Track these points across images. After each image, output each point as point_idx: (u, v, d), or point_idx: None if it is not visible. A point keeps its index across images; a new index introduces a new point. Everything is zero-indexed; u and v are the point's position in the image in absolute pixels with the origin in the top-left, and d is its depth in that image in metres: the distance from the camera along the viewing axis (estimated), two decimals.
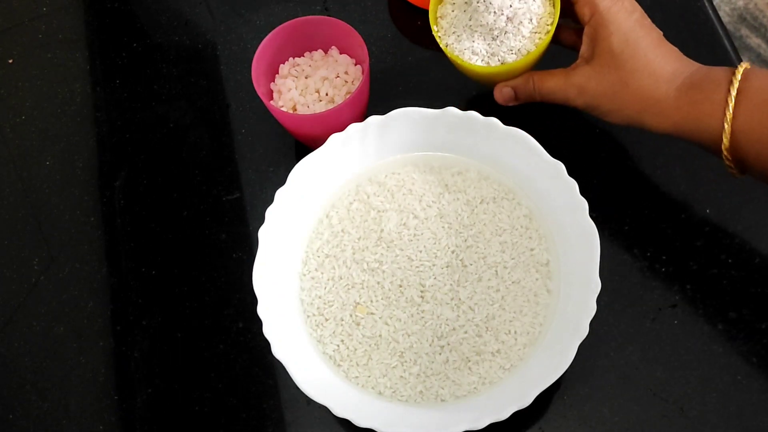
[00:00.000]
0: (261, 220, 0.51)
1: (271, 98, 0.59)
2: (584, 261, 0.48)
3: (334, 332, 0.51)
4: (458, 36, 0.53)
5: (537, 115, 0.55)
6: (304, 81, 0.59)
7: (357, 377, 0.50)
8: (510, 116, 0.54)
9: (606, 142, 0.59)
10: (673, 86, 0.48)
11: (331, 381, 0.49)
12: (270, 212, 0.51)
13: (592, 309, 0.46)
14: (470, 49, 0.53)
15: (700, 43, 0.61)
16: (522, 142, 0.52)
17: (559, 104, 0.53)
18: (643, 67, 0.48)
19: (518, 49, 0.52)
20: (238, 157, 0.62)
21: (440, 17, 0.55)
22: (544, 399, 0.50)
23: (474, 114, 0.52)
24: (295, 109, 0.58)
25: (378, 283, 0.52)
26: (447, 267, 0.52)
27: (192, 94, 0.65)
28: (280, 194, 0.52)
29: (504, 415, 0.45)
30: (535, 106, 0.55)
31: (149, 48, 0.68)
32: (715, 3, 0.83)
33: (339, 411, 0.46)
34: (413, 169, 0.56)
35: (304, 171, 0.53)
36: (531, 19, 0.51)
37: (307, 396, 0.46)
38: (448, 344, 0.50)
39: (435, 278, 0.52)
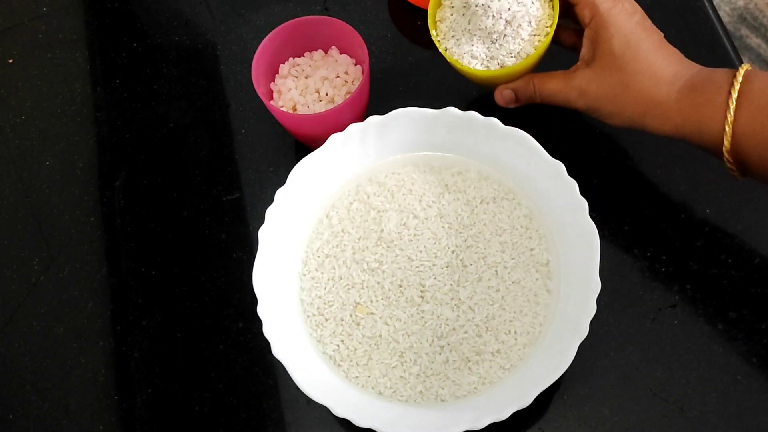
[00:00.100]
0: (261, 220, 0.51)
1: (271, 98, 0.59)
2: (584, 261, 0.48)
3: (334, 332, 0.51)
4: (457, 40, 0.53)
5: (537, 115, 0.55)
6: (304, 81, 0.59)
7: (357, 377, 0.50)
8: (510, 116, 0.54)
9: (606, 142, 0.59)
10: (675, 88, 0.47)
11: (331, 381, 0.49)
12: (270, 212, 0.51)
13: (592, 309, 0.46)
14: (469, 53, 0.52)
15: (700, 43, 0.61)
16: (522, 142, 0.52)
17: (560, 106, 0.53)
18: (644, 69, 0.48)
19: (517, 52, 0.52)
20: (238, 157, 0.62)
21: (439, 21, 0.55)
22: (544, 399, 0.50)
23: (474, 114, 0.52)
24: (295, 109, 0.58)
25: (378, 283, 0.52)
26: (447, 267, 0.52)
27: (192, 94, 0.65)
28: (280, 194, 0.52)
29: (504, 415, 0.45)
30: (535, 107, 0.55)
31: (149, 48, 0.68)
32: (715, 3, 0.83)
33: (339, 411, 0.46)
34: (413, 169, 0.56)
35: (304, 171, 0.53)
36: (530, 22, 0.51)
37: (307, 396, 0.46)
38: (448, 344, 0.50)
39: (435, 278, 0.52)
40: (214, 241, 0.59)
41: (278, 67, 0.60)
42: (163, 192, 0.62)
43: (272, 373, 0.54)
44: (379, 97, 0.60)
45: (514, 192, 0.54)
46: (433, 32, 0.54)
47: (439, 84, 0.62)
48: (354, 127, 0.53)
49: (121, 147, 0.64)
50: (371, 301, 0.52)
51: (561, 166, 0.51)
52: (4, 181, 0.64)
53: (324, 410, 0.47)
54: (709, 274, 0.53)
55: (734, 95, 0.45)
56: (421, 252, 0.53)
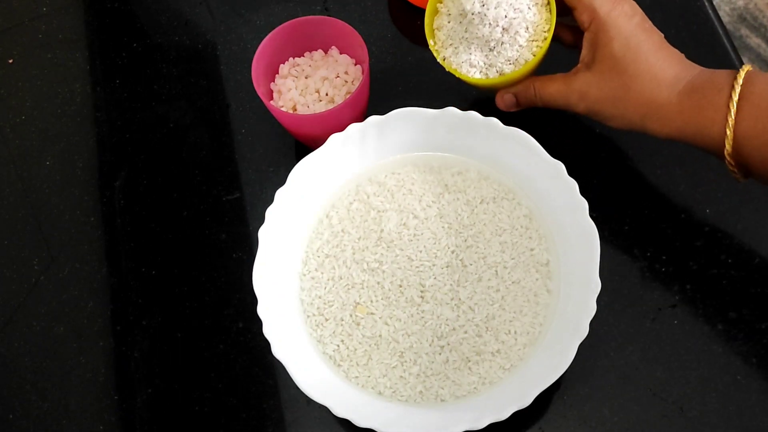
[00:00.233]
0: (261, 220, 0.51)
1: (271, 98, 0.59)
2: (584, 261, 0.48)
3: (334, 332, 0.51)
4: (455, 48, 0.53)
5: (537, 115, 0.55)
6: (304, 81, 0.59)
7: (357, 377, 0.50)
8: (510, 116, 0.54)
9: (606, 142, 0.58)
10: (675, 91, 0.47)
11: (331, 381, 0.49)
12: (270, 212, 0.51)
13: (592, 309, 0.46)
14: (468, 62, 0.52)
15: (700, 43, 0.61)
16: (522, 142, 0.52)
17: (561, 109, 0.53)
18: (645, 71, 0.48)
19: (516, 59, 0.51)
20: (238, 157, 0.62)
21: (436, 29, 0.54)
22: (544, 399, 0.50)
23: (474, 114, 0.52)
24: (295, 109, 0.58)
25: (378, 283, 0.52)
26: (447, 267, 0.52)
27: (192, 94, 0.65)
28: (280, 194, 0.52)
29: (504, 415, 0.45)
30: (536, 107, 0.55)
31: (149, 48, 0.68)
32: (715, 3, 0.83)
33: (339, 411, 0.46)
34: (413, 169, 0.56)
35: (304, 171, 0.53)
36: (527, 28, 0.51)
37: (307, 396, 0.46)
38: (448, 344, 0.50)
39: (435, 278, 0.52)
40: (214, 241, 0.59)
41: (278, 67, 0.60)
42: (163, 192, 0.62)
43: (272, 373, 0.54)
44: (379, 97, 0.60)
45: (514, 192, 0.54)
46: (430, 42, 0.54)
47: (439, 84, 0.62)
48: (354, 127, 0.53)
49: (121, 147, 0.64)
50: (371, 301, 0.52)
51: (561, 166, 0.50)
52: (4, 181, 0.64)
53: (324, 410, 0.47)
54: (709, 274, 0.53)
55: (735, 98, 0.45)
56: (421, 252, 0.53)
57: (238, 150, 0.62)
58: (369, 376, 0.50)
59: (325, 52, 0.60)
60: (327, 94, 0.58)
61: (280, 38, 0.58)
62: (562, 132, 0.58)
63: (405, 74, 0.63)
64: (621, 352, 0.51)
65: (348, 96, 0.57)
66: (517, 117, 0.55)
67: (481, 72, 0.52)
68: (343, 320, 0.51)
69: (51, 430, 0.54)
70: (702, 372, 0.50)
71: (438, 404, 0.49)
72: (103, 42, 0.70)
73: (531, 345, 0.50)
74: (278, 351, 0.47)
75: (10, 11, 0.72)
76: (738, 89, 0.45)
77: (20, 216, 0.62)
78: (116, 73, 0.67)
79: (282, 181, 0.52)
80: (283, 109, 0.58)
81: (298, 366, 0.47)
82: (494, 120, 0.52)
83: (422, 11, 0.54)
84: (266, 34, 0.57)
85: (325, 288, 0.53)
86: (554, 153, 0.51)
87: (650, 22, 0.49)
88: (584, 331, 0.46)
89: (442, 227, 0.54)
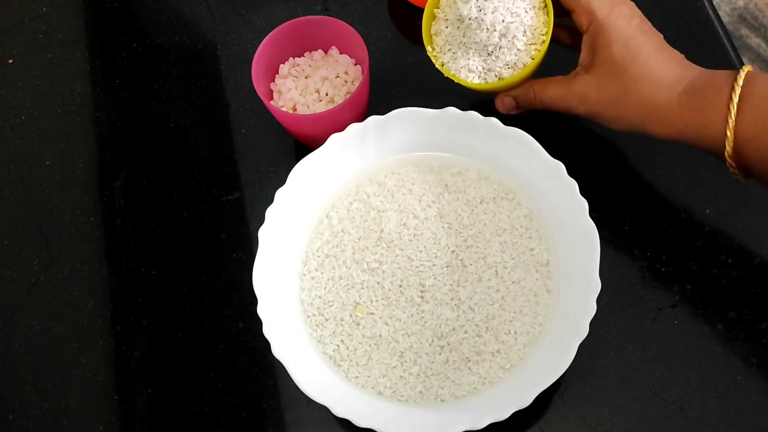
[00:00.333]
0: (261, 220, 0.51)
1: (271, 98, 0.59)
2: (584, 261, 0.48)
3: (334, 332, 0.51)
4: (453, 54, 0.53)
5: (537, 116, 0.55)
6: (304, 81, 0.59)
7: (357, 377, 0.50)
8: (510, 116, 0.54)
9: (606, 142, 0.59)
10: (676, 92, 0.47)
11: (331, 381, 0.49)
12: (270, 212, 0.51)
13: (592, 309, 0.46)
14: (466, 67, 0.52)
15: (700, 43, 0.61)
16: (522, 142, 0.52)
17: (561, 112, 0.52)
18: (645, 73, 0.47)
19: (514, 63, 0.51)
20: (238, 157, 0.62)
21: (434, 34, 0.54)
22: (544, 399, 0.50)
23: (474, 114, 0.52)
24: (295, 109, 0.58)
25: (378, 283, 0.52)
26: (447, 267, 0.52)
27: (192, 94, 0.65)
28: (280, 194, 0.52)
29: (504, 415, 0.45)
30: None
31: (149, 48, 0.68)
32: (715, 3, 0.83)
33: (339, 411, 0.46)
34: (413, 169, 0.56)
35: (304, 171, 0.53)
36: (525, 32, 0.50)
37: (307, 396, 0.46)
38: (448, 344, 0.50)
39: (435, 278, 0.52)
40: (214, 241, 0.59)
41: (278, 67, 0.60)
42: (163, 192, 0.62)
43: (272, 373, 0.54)
44: (379, 97, 0.60)
45: (514, 192, 0.54)
46: (429, 48, 0.54)
47: (439, 84, 0.62)
48: (354, 127, 0.53)
49: (121, 147, 0.64)
50: (371, 301, 0.52)
51: (561, 166, 0.50)
52: (4, 181, 0.64)
53: (324, 410, 0.47)
54: (709, 274, 0.53)
55: (735, 99, 0.44)
56: (421, 252, 0.53)
57: (238, 150, 0.62)
58: (369, 376, 0.50)
59: (325, 52, 0.60)
60: (327, 94, 0.58)
61: (280, 38, 0.58)
62: (562, 132, 0.58)
63: (405, 74, 0.63)
64: (621, 352, 0.51)
65: (348, 96, 0.57)
66: (517, 117, 0.55)
67: (479, 77, 0.52)
68: (343, 320, 0.51)
69: (51, 430, 0.54)
70: (702, 372, 0.50)
71: (438, 404, 0.49)
72: (103, 42, 0.70)
73: (531, 345, 0.50)
74: (278, 351, 0.47)
75: (10, 11, 0.72)
76: (738, 90, 0.45)
77: (20, 216, 0.62)
78: (116, 73, 0.67)
79: (282, 181, 0.52)
80: (283, 109, 0.58)
81: (298, 366, 0.47)
82: (494, 120, 0.52)
83: (422, 11, 0.54)
84: (266, 34, 0.57)
85: (325, 288, 0.53)
86: (554, 153, 0.51)
87: (649, 24, 0.49)
88: (584, 331, 0.46)
89: (442, 227, 0.54)
